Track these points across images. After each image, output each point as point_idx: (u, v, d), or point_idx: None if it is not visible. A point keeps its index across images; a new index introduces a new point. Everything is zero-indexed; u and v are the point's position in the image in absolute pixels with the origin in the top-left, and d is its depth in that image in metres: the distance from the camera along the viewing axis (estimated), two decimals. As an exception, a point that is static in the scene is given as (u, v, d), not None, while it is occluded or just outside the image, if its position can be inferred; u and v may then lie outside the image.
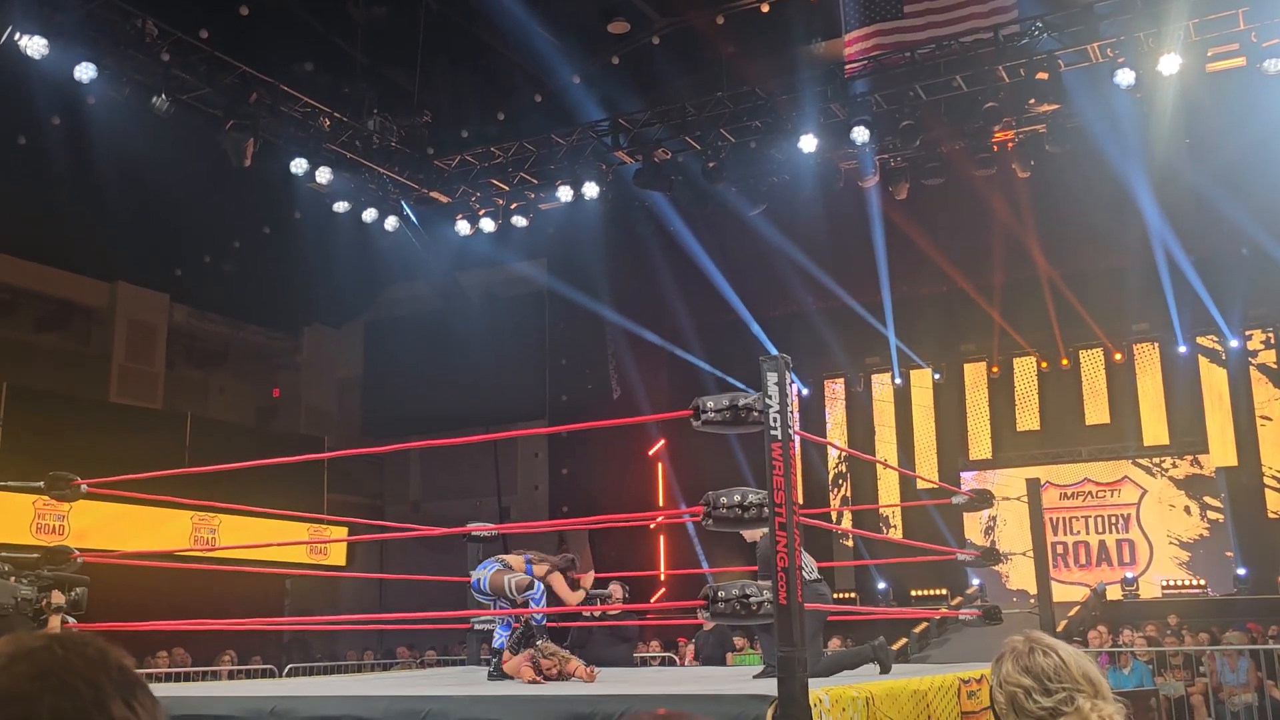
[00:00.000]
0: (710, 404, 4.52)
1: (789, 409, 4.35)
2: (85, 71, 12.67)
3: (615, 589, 9.22)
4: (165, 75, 13.38)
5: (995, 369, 20.35)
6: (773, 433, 4.31)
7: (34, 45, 12.13)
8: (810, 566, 6.46)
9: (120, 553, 9.90)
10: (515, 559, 7.13)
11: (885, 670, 6.36)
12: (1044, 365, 19.98)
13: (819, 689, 4.39)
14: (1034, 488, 8.14)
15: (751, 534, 6.52)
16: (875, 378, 21.18)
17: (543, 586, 6.93)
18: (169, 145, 14.21)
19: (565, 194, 16.49)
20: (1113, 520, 19.49)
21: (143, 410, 17.98)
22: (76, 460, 7.02)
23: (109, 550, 9.96)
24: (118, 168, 14.26)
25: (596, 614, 8.84)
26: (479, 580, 6.93)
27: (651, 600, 15.76)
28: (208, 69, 13.85)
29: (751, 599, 4.36)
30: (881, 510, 20.30)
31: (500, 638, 7.04)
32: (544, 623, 6.93)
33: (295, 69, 15.48)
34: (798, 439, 5.41)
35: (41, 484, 6.34)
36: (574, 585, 7.30)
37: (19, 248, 16.74)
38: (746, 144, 15.57)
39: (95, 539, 12.71)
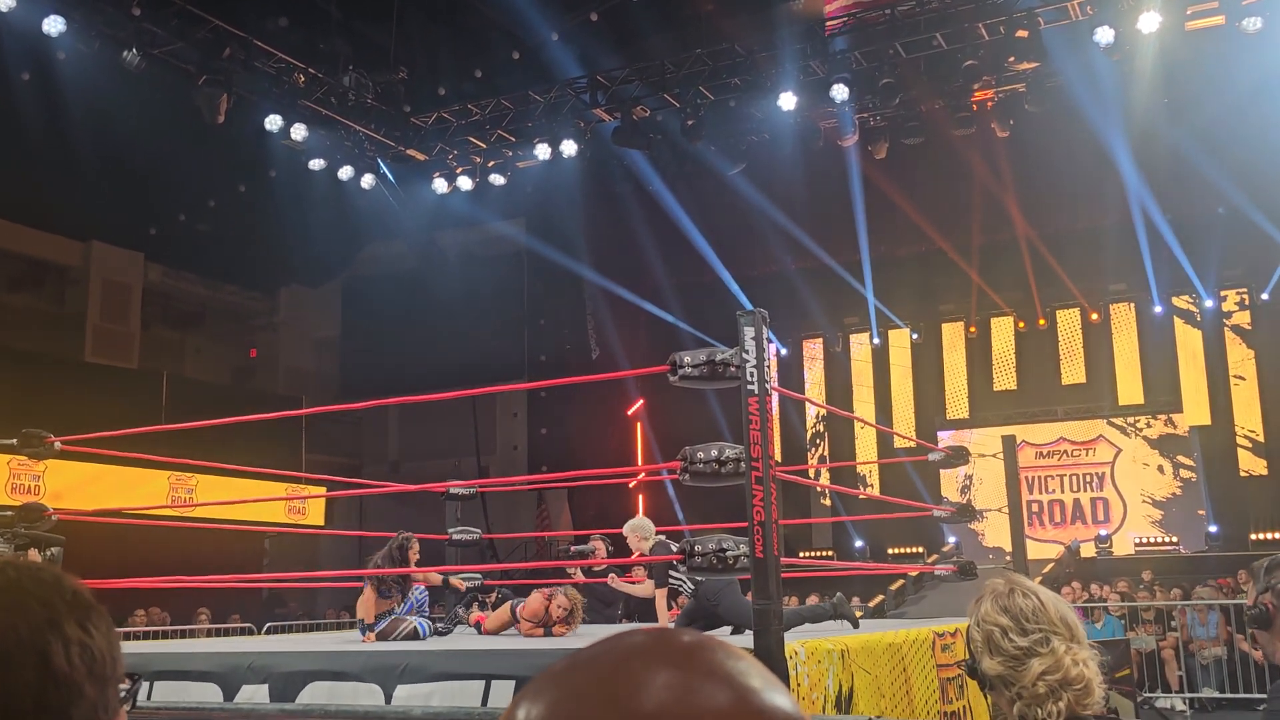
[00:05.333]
0: (687, 359, 4.52)
1: (765, 363, 4.34)
2: (54, 25, 12.43)
3: (598, 544, 8.89)
4: (136, 29, 13.14)
5: (973, 329, 20.41)
6: (749, 387, 4.31)
7: (1, -2, 11.89)
8: None
9: (96, 511, 9.86)
10: (367, 594, 6.83)
11: (855, 624, 6.41)
12: (1021, 325, 20.04)
13: (794, 642, 4.43)
14: (1009, 445, 8.20)
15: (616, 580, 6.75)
16: (853, 337, 21.21)
17: (423, 588, 7.10)
18: (141, 101, 14.00)
19: (543, 152, 16.37)
20: (1087, 479, 19.65)
21: (118, 370, 17.84)
22: (51, 421, 6.95)
23: (85, 510, 9.91)
24: (90, 124, 14.05)
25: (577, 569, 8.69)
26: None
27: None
28: (180, 23, 13.61)
29: (728, 553, 4.38)
30: (859, 468, 20.40)
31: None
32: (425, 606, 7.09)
33: (269, 24, 15.23)
34: (775, 395, 5.43)
35: (14, 441, 6.29)
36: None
37: (-9, 206, 16.54)
38: (725, 102, 15.48)
39: (71, 499, 12.63)
